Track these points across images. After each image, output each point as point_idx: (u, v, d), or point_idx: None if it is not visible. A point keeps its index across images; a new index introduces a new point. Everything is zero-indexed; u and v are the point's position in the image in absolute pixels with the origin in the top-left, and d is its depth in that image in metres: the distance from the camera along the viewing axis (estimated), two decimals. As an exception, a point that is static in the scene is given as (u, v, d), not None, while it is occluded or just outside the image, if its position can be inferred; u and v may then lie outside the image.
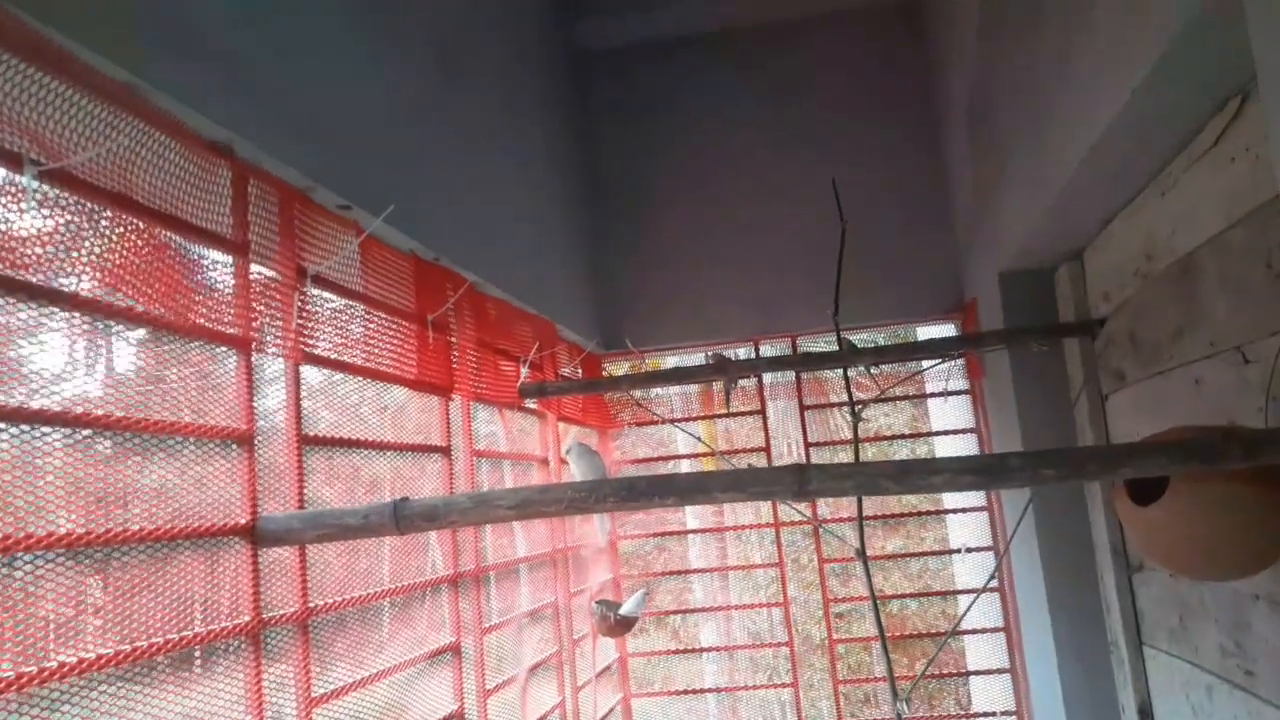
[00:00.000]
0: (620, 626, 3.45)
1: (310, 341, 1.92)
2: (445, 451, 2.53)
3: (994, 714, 3.85)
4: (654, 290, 4.22)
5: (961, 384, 4.06)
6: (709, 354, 4.13)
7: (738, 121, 4.26)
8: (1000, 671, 3.84)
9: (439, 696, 2.33)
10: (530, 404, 3.29)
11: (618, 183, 4.31)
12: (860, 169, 3.99)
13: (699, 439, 4.07)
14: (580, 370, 3.85)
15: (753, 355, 4.17)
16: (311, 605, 1.82)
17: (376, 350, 2.20)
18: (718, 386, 4.27)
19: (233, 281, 1.73)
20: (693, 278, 4.20)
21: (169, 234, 1.55)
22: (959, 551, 4.05)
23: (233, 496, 1.68)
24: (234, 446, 1.69)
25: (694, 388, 4.33)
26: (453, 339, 2.61)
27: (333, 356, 2.01)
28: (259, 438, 1.75)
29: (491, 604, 2.72)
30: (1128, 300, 2.58)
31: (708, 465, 7.76)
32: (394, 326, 2.29)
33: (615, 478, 1.65)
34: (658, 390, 4.45)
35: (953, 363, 3.92)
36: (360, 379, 2.15)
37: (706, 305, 4.19)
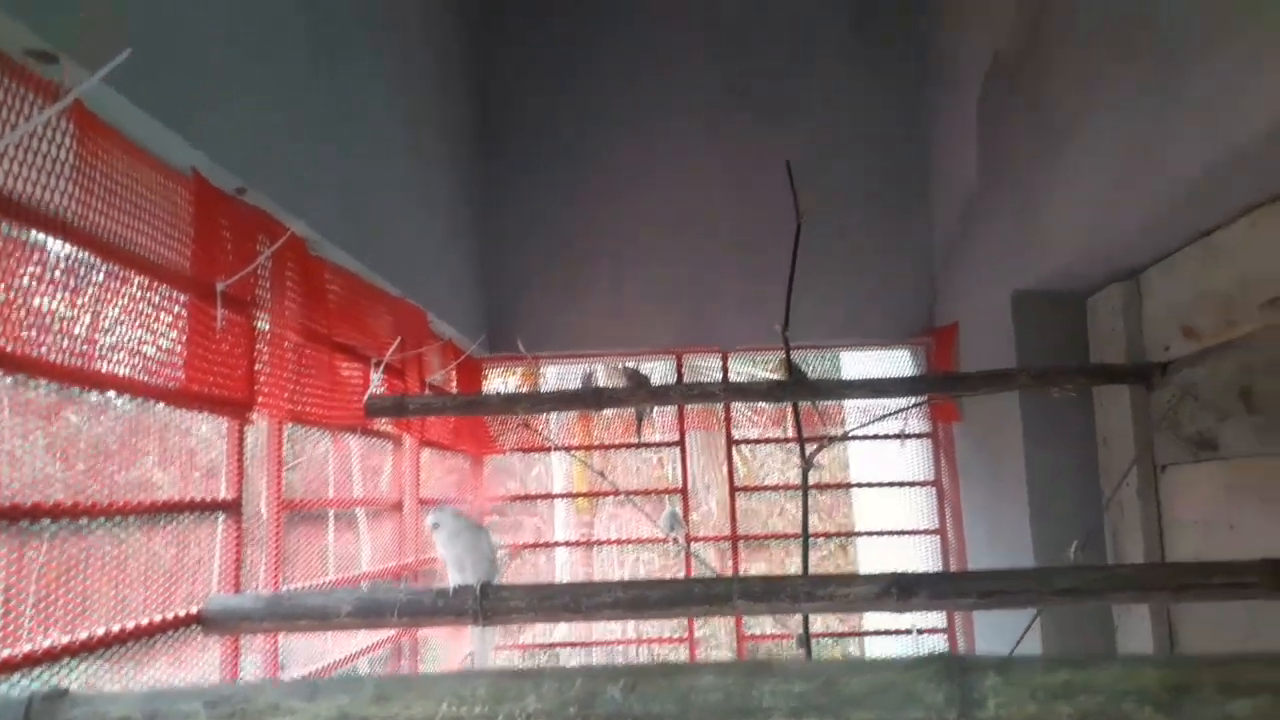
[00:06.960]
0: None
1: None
2: (231, 507, 1.54)
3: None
4: (556, 280, 3.29)
5: (920, 427, 3.34)
6: (622, 366, 3.26)
7: (673, 79, 3.40)
8: None
9: None
10: (382, 424, 2.32)
11: (519, 142, 3.36)
12: (815, 146, 3.20)
13: (602, 475, 3.17)
14: (455, 378, 2.88)
15: (674, 369, 3.31)
16: None
17: (101, 332, 1.21)
18: (625, 411, 3.40)
19: None
20: (606, 269, 3.30)
21: None
22: (908, 633, 3.30)
23: None
24: None
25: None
26: (259, 323, 1.62)
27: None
28: None
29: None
30: (1238, 341, 1.87)
31: (583, 506, 6.74)
32: (144, 294, 1.30)
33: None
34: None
35: (918, 402, 3.18)
36: (55, 384, 1.15)
37: (620, 304, 3.29)
